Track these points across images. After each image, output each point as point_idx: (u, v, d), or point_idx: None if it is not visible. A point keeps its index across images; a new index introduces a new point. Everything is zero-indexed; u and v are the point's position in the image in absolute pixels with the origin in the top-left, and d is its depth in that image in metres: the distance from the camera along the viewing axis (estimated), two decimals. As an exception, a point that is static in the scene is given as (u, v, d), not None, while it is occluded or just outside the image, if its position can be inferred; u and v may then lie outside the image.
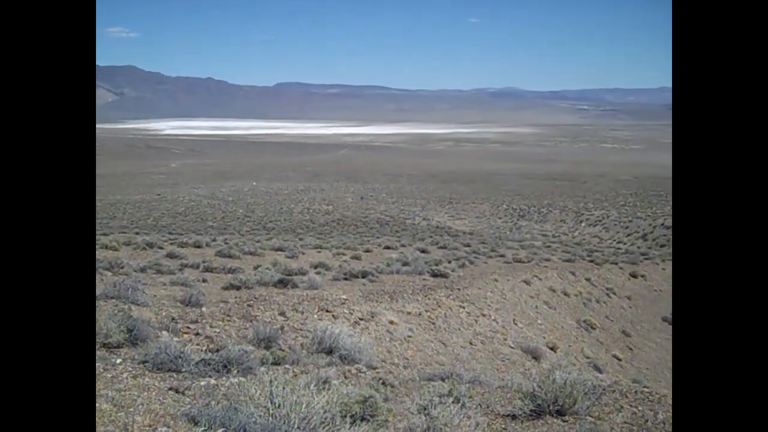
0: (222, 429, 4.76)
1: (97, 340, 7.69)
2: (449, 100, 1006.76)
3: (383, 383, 7.72)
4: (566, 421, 6.37)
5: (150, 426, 4.59)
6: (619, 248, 45.10)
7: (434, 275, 18.72)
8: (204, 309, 10.80)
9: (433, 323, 13.95)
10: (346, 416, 5.38)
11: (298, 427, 4.78)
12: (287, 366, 7.96)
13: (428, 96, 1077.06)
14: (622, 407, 7.00)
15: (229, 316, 10.59)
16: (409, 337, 12.42)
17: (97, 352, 7.26)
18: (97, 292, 10.74)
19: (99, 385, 5.67)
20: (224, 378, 6.80)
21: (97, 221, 55.16)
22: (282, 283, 13.97)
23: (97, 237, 27.20)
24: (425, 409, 5.86)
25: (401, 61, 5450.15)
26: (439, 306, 15.12)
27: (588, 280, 24.79)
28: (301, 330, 10.60)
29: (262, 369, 7.38)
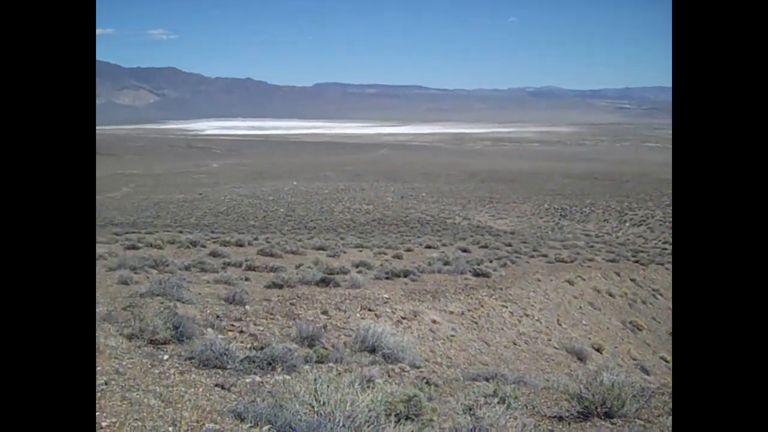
0: (268, 426, 4.76)
1: (144, 336, 7.80)
2: (487, 99, 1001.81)
3: (427, 382, 7.67)
4: (615, 424, 6.24)
5: (198, 422, 4.61)
6: (665, 249, 44.18)
7: (476, 275, 18.58)
8: (247, 307, 10.87)
9: (476, 323, 13.84)
10: (390, 415, 5.34)
11: (343, 425, 4.75)
12: (331, 364, 7.96)
13: (466, 95, 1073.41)
14: (671, 410, 6.83)
15: (272, 314, 10.65)
16: (452, 336, 12.34)
17: (145, 348, 7.35)
18: (143, 289, 10.90)
19: (147, 380, 5.73)
20: (269, 375, 6.82)
21: (142, 220, 56.14)
22: (324, 282, 14.01)
23: (142, 235, 27.67)
24: (470, 409, 5.78)
25: (439, 60, 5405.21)
26: (482, 305, 15.00)
27: (633, 280, 24.35)
28: (343, 329, 10.60)
29: (306, 367, 7.39)
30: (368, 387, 5.88)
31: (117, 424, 4.36)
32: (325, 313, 11.28)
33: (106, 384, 5.22)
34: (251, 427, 4.69)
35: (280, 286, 13.27)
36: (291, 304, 11.54)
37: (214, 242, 24.93)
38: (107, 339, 7.15)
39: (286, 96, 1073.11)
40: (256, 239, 28.82)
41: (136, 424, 4.41)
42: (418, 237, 40.99)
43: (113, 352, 6.59)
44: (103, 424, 4.35)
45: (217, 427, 4.60)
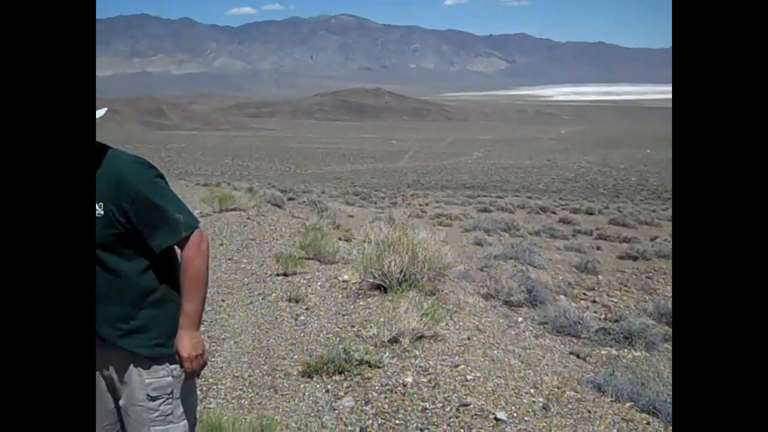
0: (630, 402, 4.54)
1: (499, 296, 8.05)
2: None
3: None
4: None
5: (558, 388, 4.57)
6: None
7: None
8: (600, 277, 10.58)
9: None
10: None
11: (713, 415, 4.32)
12: (693, 346, 7.34)
13: None
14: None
15: (626, 286, 10.21)
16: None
17: (500, 309, 7.57)
18: (497, 252, 11.25)
19: (505, 340, 5.87)
20: (625, 350, 6.53)
21: (492, 184, 58.31)
22: (683, 257, 13.00)
23: (493, 199, 28.67)
24: None
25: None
26: None
27: None
28: (706, 309, 9.73)
29: (666, 346, 6.92)
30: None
31: (481, 379, 4.53)
32: (685, 290, 10.47)
33: (468, 339, 5.46)
34: (612, 401, 4.51)
35: (635, 258, 12.64)
36: (647, 277, 10.93)
37: (563, 209, 24.83)
38: (466, 296, 7.51)
39: (640, 60, 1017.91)
40: (606, 208, 27.91)
41: (498, 381, 4.54)
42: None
43: (472, 309, 6.89)
44: (468, 377, 4.55)
45: (578, 396, 4.51)
